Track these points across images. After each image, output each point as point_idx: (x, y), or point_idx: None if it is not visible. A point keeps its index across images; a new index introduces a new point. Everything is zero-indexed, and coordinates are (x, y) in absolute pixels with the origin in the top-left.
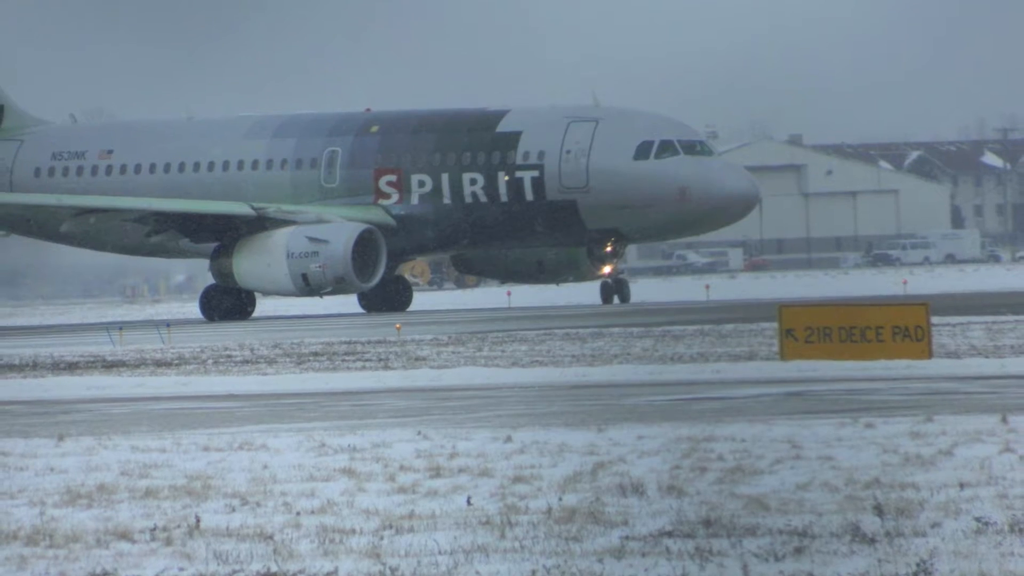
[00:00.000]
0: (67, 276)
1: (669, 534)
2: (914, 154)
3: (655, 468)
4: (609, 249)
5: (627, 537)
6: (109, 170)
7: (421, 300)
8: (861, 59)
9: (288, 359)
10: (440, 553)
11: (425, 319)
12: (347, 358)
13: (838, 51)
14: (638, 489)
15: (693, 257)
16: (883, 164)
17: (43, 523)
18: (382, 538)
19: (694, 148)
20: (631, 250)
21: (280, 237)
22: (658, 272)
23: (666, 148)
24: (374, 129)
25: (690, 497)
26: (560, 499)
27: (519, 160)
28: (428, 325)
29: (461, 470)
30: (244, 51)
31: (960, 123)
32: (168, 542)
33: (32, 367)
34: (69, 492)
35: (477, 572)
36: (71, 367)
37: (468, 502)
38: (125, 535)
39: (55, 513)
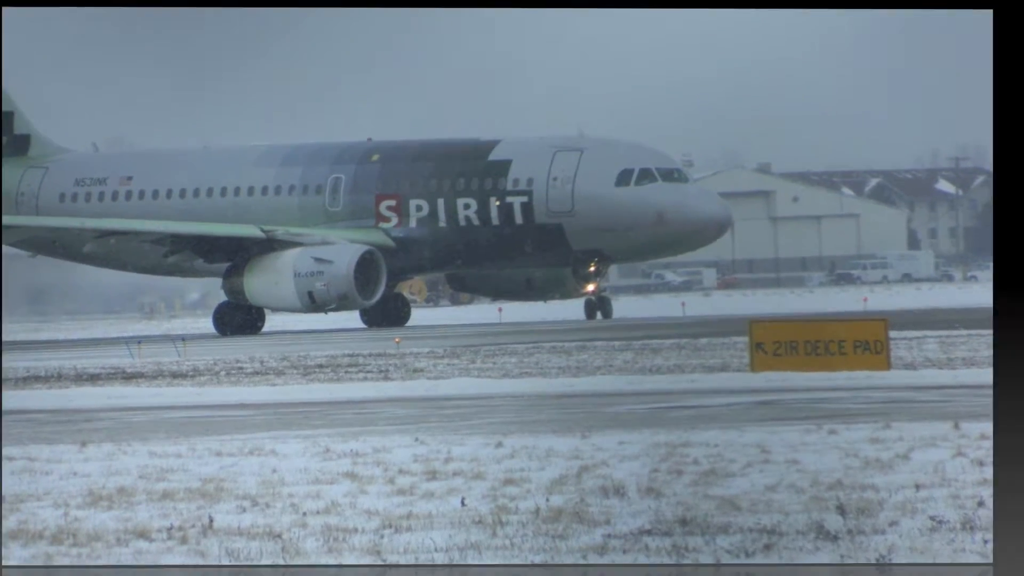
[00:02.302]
0: (89, 294)
1: (648, 532)
2: (873, 181)
3: (635, 471)
4: (593, 269)
5: (609, 535)
6: (129, 195)
7: (419, 316)
8: (825, 95)
9: (295, 371)
10: (436, 551)
11: (422, 334)
12: (350, 370)
13: (803, 87)
14: (619, 491)
15: (670, 276)
16: (845, 191)
17: (67, 523)
18: (382, 536)
19: (671, 175)
20: (613, 270)
21: (288, 257)
22: (638, 290)
23: (645, 176)
24: (375, 158)
25: (667, 498)
26: (547, 500)
27: (509, 186)
28: (425, 339)
29: (456, 473)
30: (255, 84)
31: (916, 153)
32: (183, 541)
33: (57, 378)
34: (91, 494)
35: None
36: (93, 378)
37: (462, 503)
38: (143, 534)
39: (78, 514)
